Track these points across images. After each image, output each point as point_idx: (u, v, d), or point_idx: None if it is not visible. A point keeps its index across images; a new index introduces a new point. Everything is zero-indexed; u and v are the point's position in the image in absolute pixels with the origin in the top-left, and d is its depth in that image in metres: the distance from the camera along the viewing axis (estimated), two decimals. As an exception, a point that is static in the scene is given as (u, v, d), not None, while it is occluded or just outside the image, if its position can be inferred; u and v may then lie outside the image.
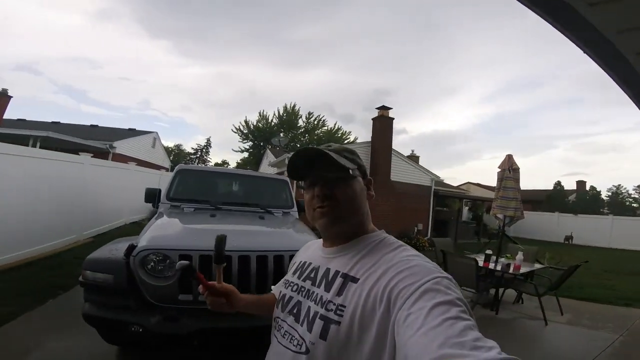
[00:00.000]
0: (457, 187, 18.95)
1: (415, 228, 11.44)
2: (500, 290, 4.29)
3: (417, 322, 0.47)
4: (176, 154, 39.08)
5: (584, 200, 19.59)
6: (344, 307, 0.61)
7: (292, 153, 0.67)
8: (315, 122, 26.57)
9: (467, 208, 16.03)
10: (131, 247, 2.10)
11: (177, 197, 3.57)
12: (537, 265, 4.70)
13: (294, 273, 0.82)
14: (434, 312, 0.47)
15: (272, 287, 0.98)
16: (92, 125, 16.07)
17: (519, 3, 1.30)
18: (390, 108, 10.48)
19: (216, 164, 37.58)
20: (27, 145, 8.95)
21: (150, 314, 2.01)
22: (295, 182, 0.79)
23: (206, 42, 49.84)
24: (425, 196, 12.15)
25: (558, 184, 21.18)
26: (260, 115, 26.00)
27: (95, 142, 11.67)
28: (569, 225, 15.74)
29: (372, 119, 10.61)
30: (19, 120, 14.84)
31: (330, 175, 0.71)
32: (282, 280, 0.88)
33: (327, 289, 0.67)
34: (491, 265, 4.32)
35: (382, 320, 0.55)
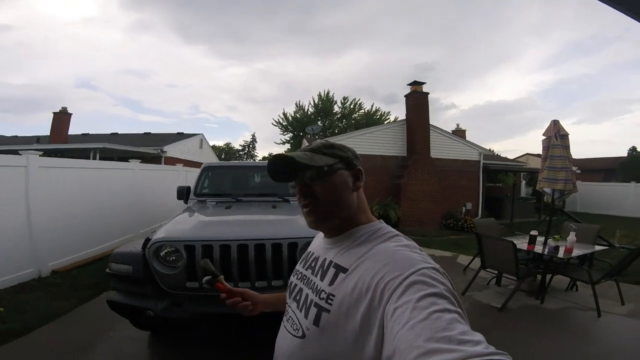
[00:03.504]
0: (514, 160, 17.15)
1: (464, 208, 10.62)
2: (548, 276, 3.76)
3: (404, 316, 0.47)
4: (227, 152, 41.38)
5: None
6: (334, 296, 0.64)
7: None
8: (352, 107, 25.93)
9: (524, 182, 14.41)
10: (147, 240, 2.32)
11: (203, 192, 3.86)
12: (598, 247, 4.01)
13: (301, 262, 0.86)
14: (420, 305, 0.47)
15: None
16: (145, 133, 17.57)
17: None
18: (423, 83, 9.69)
19: (263, 158, 39.06)
20: (89, 157, 10.20)
21: (160, 299, 2.21)
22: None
23: (240, 41, 51.31)
24: (473, 172, 11.16)
25: (633, 149, 17.55)
26: (297, 106, 26.20)
27: (147, 148, 12.81)
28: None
29: (405, 96, 9.93)
30: (83, 135, 16.82)
31: (307, 174, 0.72)
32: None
33: (322, 278, 0.70)
34: (538, 248, 3.81)
35: (367, 312, 0.56)
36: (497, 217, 11.23)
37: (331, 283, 0.66)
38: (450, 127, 15.84)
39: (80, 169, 5.39)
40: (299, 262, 0.88)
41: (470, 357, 0.38)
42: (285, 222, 2.74)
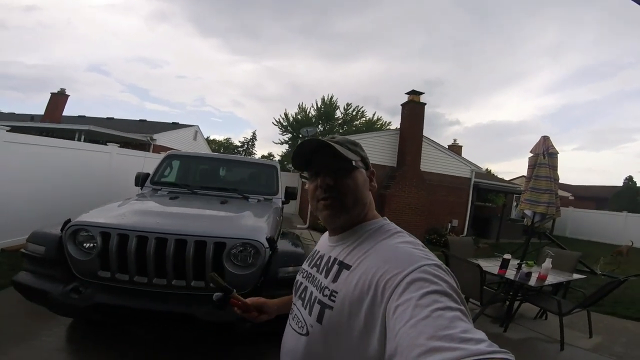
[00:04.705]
0: (509, 181, 16.93)
1: (449, 224, 10.38)
2: (516, 303, 3.49)
3: (406, 313, 0.47)
4: (226, 147, 41.16)
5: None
6: (337, 293, 0.63)
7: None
8: (354, 113, 25.80)
9: (515, 204, 14.18)
10: (66, 222, 2.18)
11: (160, 181, 3.65)
12: (576, 276, 3.76)
13: (307, 261, 0.86)
14: (421, 303, 0.47)
15: None
16: (140, 120, 17.27)
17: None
18: (422, 93, 9.50)
19: (262, 157, 38.86)
20: (74, 139, 9.95)
21: (63, 284, 2.05)
22: (299, 173, 0.82)
23: (254, 39, 51.42)
24: (463, 189, 10.94)
25: (629, 179, 17.41)
26: (299, 107, 26.04)
27: (137, 134, 12.55)
28: (640, 228, 12.48)
29: (401, 105, 9.73)
30: (79, 117, 16.61)
31: (333, 165, 0.72)
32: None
33: (326, 276, 0.70)
34: (511, 273, 3.56)
35: (369, 309, 0.56)
36: (484, 237, 11.00)
37: (334, 280, 0.66)
38: (451, 143, 15.68)
39: (53, 147, 5.20)
40: (305, 261, 0.87)
41: (472, 356, 0.37)
42: (222, 219, 2.48)
